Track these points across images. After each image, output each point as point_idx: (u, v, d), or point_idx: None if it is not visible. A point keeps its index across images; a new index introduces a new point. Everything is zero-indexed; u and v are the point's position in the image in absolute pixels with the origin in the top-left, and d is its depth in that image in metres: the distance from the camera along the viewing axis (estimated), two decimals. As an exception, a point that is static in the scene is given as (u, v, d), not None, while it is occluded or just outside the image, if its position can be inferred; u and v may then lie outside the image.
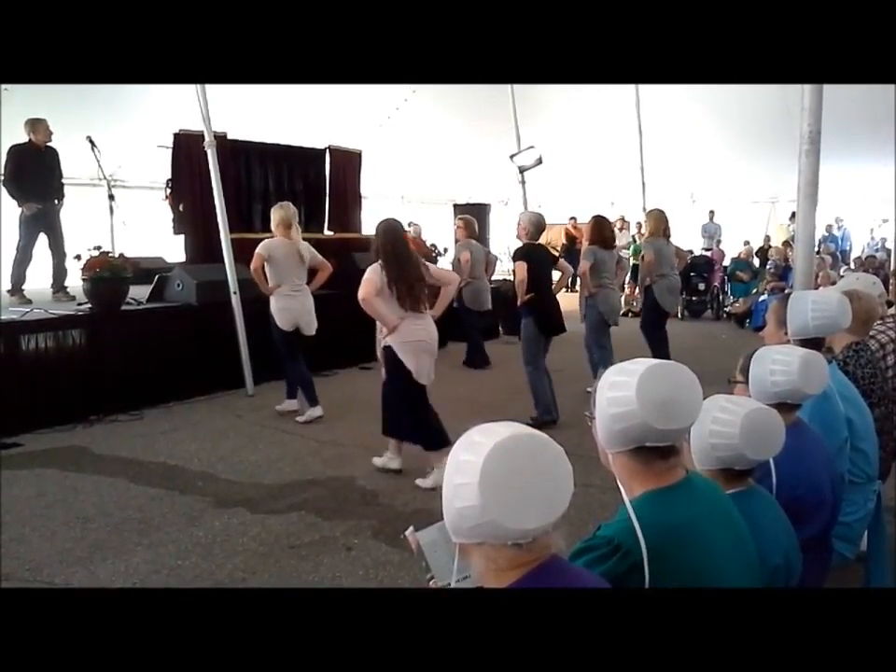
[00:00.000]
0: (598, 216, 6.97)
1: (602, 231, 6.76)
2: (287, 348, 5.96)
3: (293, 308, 5.88)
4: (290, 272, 5.86)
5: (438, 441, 4.43)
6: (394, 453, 4.74)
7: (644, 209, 11.10)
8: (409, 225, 12.37)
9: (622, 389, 1.48)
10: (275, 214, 5.90)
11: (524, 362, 5.93)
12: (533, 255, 5.87)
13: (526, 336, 5.89)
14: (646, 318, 7.48)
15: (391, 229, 4.55)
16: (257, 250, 5.74)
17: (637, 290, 12.56)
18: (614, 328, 6.86)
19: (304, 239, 6.12)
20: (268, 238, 5.94)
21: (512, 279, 6.48)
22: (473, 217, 8.87)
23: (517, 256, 5.92)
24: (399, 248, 4.47)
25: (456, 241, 8.88)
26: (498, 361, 8.34)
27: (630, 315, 12.49)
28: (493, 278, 11.12)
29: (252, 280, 5.89)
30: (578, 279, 8.36)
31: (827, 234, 15.73)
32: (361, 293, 4.31)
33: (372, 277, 4.35)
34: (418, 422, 4.57)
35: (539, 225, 6.03)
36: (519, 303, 5.85)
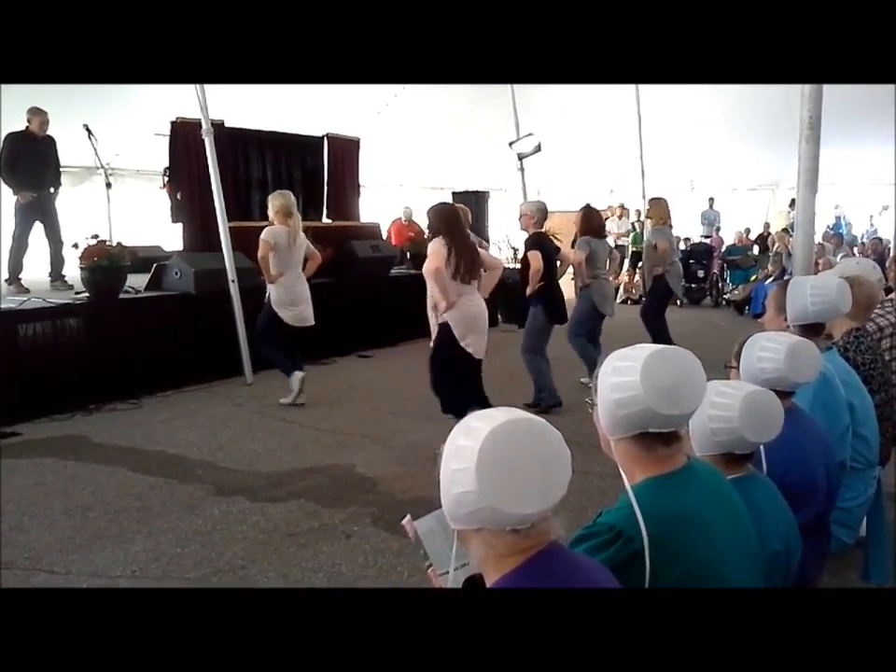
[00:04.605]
0: (587, 206, 6.99)
1: (592, 220, 6.80)
2: (269, 332, 5.96)
3: (295, 301, 5.87)
4: (292, 260, 5.86)
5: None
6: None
7: (644, 196, 11.06)
8: (403, 209, 12.41)
9: (625, 374, 1.47)
10: (274, 201, 5.86)
11: (523, 349, 5.92)
12: (544, 243, 5.86)
13: (535, 326, 5.86)
14: (652, 305, 7.55)
15: (449, 208, 4.91)
16: (262, 237, 5.72)
17: (636, 278, 12.53)
18: (609, 318, 6.84)
19: (303, 227, 6.09)
20: (267, 226, 5.91)
21: (519, 267, 6.43)
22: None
23: (530, 245, 5.82)
24: (459, 226, 4.81)
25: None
26: (497, 348, 8.31)
27: (629, 302, 12.46)
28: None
29: (249, 269, 5.86)
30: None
31: (834, 222, 15.66)
32: (433, 264, 4.55)
33: (440, 249, 4.58)
34: (470, 395, 4.75)
35: (544, 212, 6.04)
36: (529, 292, 5.77)
